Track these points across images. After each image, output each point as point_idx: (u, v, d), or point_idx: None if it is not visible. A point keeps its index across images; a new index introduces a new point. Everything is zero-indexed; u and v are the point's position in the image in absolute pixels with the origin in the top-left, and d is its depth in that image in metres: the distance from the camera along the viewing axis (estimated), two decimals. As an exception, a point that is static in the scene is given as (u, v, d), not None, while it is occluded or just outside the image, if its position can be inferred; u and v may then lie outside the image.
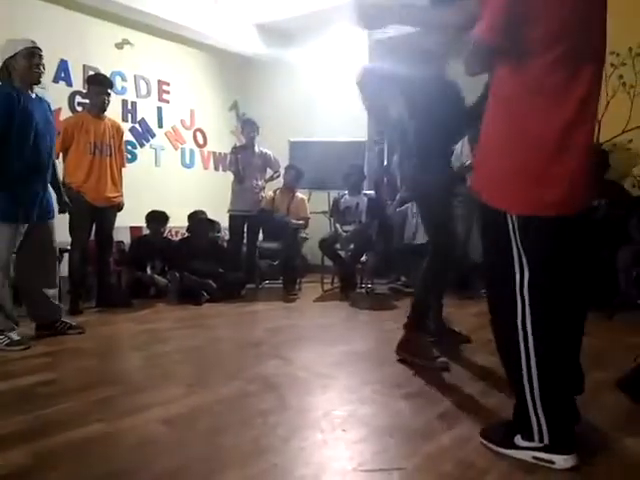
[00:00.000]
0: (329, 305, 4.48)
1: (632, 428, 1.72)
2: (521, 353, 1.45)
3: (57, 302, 3.18)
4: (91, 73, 4.98)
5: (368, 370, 2.47)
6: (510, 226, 1.46)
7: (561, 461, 1.43)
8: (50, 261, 3.10)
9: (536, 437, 1.46)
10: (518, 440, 1.50)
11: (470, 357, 2.68)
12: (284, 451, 1.57)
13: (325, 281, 5.19)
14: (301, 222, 5.19)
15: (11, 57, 2.90)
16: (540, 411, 1.44)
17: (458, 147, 5.43)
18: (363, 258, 5.05)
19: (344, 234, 5.04)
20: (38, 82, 3.01)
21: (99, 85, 4.03)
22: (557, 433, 1.44)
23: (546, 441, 1.44)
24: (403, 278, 5.20)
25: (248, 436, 1.67)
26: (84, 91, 5.09)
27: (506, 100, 1.47)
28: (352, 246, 4.98)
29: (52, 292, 3.10)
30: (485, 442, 1.59)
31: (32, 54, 2.92)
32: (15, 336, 2.83)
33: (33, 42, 2.97)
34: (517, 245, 1.45)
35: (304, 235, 5.25)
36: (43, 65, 2.99)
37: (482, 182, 1.55)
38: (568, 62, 1.38)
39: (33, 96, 2.98)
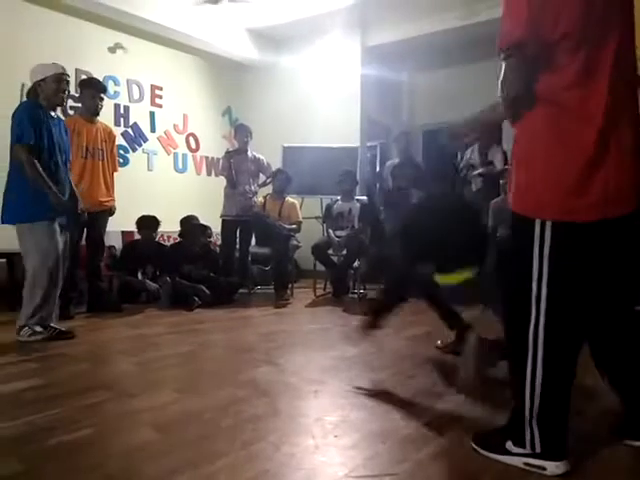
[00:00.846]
0: (321, 310, 4.48)
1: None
2: (527, 367, 1.43)
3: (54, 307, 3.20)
4: (83, 77, 4.98)
5: (360, 376, 2.47)
6: (537, 234, 1.40)
7: (553, 467, 1.43)
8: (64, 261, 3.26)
9: (528, 445, 1.46)
10: (509, 446, 1.50)
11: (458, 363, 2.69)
12: (275, 457, 1.56)
13: (317, 286, 5.19)
14: (294, 226, 5.19)
15: (41, 80, 3.11)
16: (535, 425, 1.44)
17: (468, 153, 5.50)
18: (355, 263, 5.06)
19: (337, 239, 5.05)
20: (62, 105, 3.33)
21: (93, 89, 4.03)
22: (549, 440, 1.44)
23: (537, 449, 1.45)
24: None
25: (239, 442, 1.67)
26: (76, 95, 5.08)
27: (544, 102, 1.41)
28: (344, 251, 4.99)
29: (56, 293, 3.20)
30: (476, 447, 1.59)
31: (61, 80, 3.16)
32: (38, 328, 3.03)
33: (63, 68, 3.19)
34: (540, 251, 1.40)
35: (296, 243, 5.25)
36: (69, 90, 3.27)
37: (517, 194, 1.48)
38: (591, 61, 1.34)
39: (54, 115, 3.21)
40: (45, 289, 3.04)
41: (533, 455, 1.45)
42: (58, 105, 3.23)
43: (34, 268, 3.03)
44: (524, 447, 1.47)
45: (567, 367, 1.45)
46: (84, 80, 4.35)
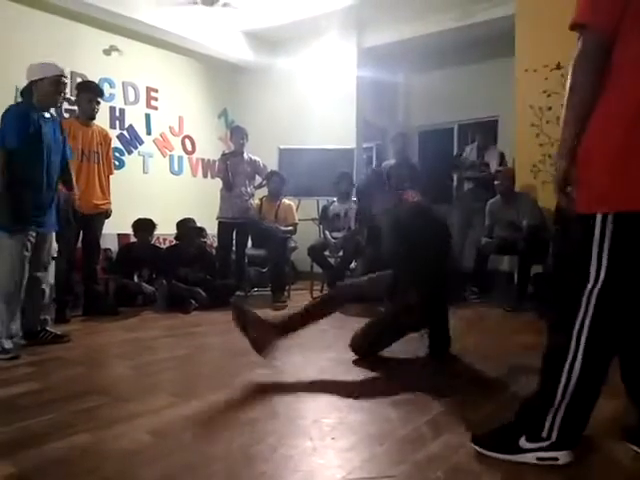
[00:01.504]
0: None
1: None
2: (567, 359, 1.43)
3: (43, 312, 3.16)
4: (79, 80, 4.96)
5: (357, 377, 2.46)
6: (598, 229, 1.39)
7: (564, 457, 1.45)
8: (45, 271, 3.15)
9: (545, 433, 1.46)
10: (523, 442, 1.49)
11: (457, 362, 2.69)
12: (273, 459, 1.56)
13: (314, 288, 5.18)
14: (290, 228, 5.18)
15: (39, 80, 3.01)
16: (560, 415, 1.44)
17: (467, 150, 5.52)
18: (352, 265, 5.05)
19: (333, 241, 5.05)
20: (56, 107, 3.22)
21: (90, 92, 4.01)
22: (567, 430, 1.45)
23: (554, 438, 1.45)
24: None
25: (236, 444, 1.66)
26: (72, 97, 5.06)
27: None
28: (341, 253, 4.99)
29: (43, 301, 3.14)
30: (484, 451, 1.56)
31: (59, 83, 3.07)
32: (7, 344, 2.81)
33: (62, 70, 3.11)
34: (600, 249, 1.39)
35: (293, 245, 5.24)
36: (65, 92, 3.18)
37: (580, 194, 1.47)
38: None
39: (47, 116, 3.09)
40: (11, 304, 2.88)
41: (546, 448, 1.46)
42: (52, 107, 3.16)
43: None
44: (538, 440, 1.46)
45: (605, 363, 1.45)
46: (81, 83, 4.32)
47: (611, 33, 1.34)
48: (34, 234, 2.98)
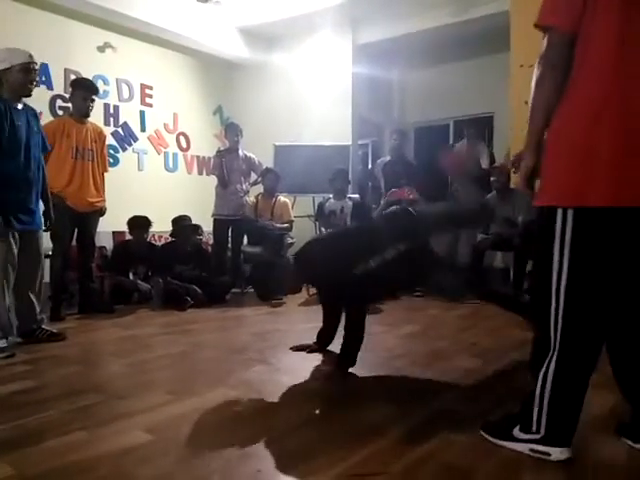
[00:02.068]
0: (314, 309, 4.44)
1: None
2: (549, 351, 1.46)
3: (38, 310, 3.13)
4: (72, 77, 4.94)
5: (355, 374, 2.46)
6: (559, 223, 1.43)
7: (557, 453, 1.45)
8: (35, 270, 3.09)
9: (534, 427, 1.48)
10: (516, 432, 1.53)
11: (453, 359, 2.70)
12: (269, 456, 1.56)
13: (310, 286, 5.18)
14: (286, 225, 5.18)
15: (6, 69, 2.85)
16: (545, 408, 1.46)
17: (457, 147, 5.52)
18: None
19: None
20: (29, 96, 2.99)
21: (84, 90, 3.97)
22: (554, 425, 1.46)
23: (542, 432, 1.47)
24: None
25: (233, 442, 1.65)
26: (65, 95, 5.04)
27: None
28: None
29: (35, 299, 3.08)
30: (484, 435, 1.62)
31: (29, 70, 2.90)
32: (1, 343, 2.79)
33: (31, 56, 2.93)
34: (561, 244, 1.43)
35: (290, 240, 5.24)
36: (37, 80, 3.00)
37: (542, 188, 1.51)
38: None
39: (20, 107, 2.95)
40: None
41: (539, 440, 1.48)
42: (25, 96, 2.96)
43: None
44: (529, 431, 1.49)
45: (585, 358, 1.46)
46: (75, 80, 4.29)
47: (572, 32, 1.40)
48: (17, 235, 2.90)
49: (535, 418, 1.48)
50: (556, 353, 1.45)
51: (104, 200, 4.12)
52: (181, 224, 4.87)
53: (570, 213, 1.41)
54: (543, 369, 1.47)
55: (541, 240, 1.52)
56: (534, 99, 1.46)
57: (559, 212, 1.43)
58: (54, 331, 3.15)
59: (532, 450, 1.49)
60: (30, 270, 3.05)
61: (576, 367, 1.46)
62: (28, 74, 2.90)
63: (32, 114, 3.07)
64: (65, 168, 3.84)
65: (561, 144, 1.43)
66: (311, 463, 1.52)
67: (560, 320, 1.44)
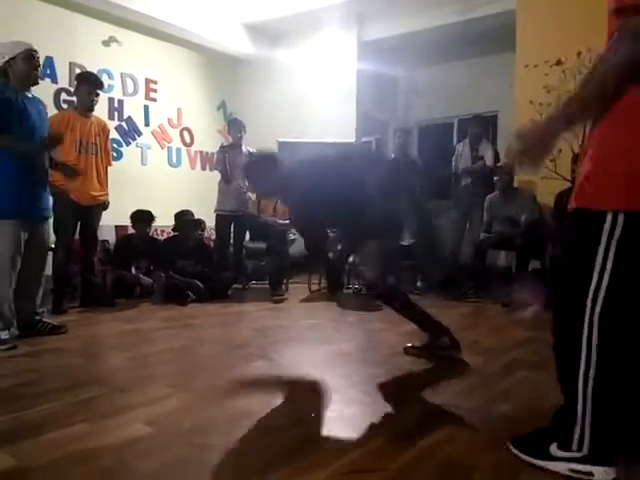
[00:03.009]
0: (316, 306, 4.47)
1: None
2: (581, 361, 1.36)
3: (39, 303, 3.14)
4: (77, 71, 4.94)
5: (355, 371, 2.47)
6: (607, 228, 1.32)
7: (601, 473, 1.34)
8: (42, 262, 3.11)
9: (575, 445, 1.37)
10: (554, 450, 1.42)
11: (454, 358, 2.69)
12: (270, 451, 1.56)
13: (312, 281, 5.19)
14: (287, 222, 5.17)
15: (10, 59, 2.93)
16: (587, 424, 1.36)
17: (459, 148, 5.49)
18: (350, 258, 5.05)
19: (331, 234, 5.03)
20: (37, 83, 3.08)
21: (89, 84, 3.98)
22: (599, 443, 1.36)
23: (585, 451, 1.36)
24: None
25: (232, 437, 1.66)
26: (70, 88, 5.05)
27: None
28: (339, 246, 4.98)
29: (38, 291, 3.09)
30: (517, 453, 1.51)
31: (31, 57, 2.97)
32: (4, 335, 2.80)
33: (29, 44, 2.99)
34: (606, 248, 1.33)
35: (293, 236, 5.24)
36: (40, 68, 3.06)
37: (584, 190, 1.38)
38: None
39: (30, 96, 3.01)
40: (4, 293, 2.86)
41: (579, 460, 1.37)
42: (32, 84, 3.04)
43: None
44: (569, 449, 1.38)
45: (623, 363, 1.36)
46: (81, 74, 4.29)
47: None
48: (27, 224, 2.92)
49: (577, 436, 1.37)
50: (594, 364, 1.34)
51: (107, 194, 4.13)
52: (183, 219, 4.87)
53: (621, 216, 1.31)
54: (581, 382, 1.36)
55: (574, 243, 1.43)
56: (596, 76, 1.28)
57: (609, 215, 1.32)
58: (55, 324, 3.16)
59: (572, 470, 1.37)
60: (36, 262, 3.06)
61: (619, 374, 1.36)
62: (32, 61, 2.97)
63: (38, 102, 3.12)
64: (69, 161, 3.83)
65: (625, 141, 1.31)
66: (310, 459, 1.52)
67: (596, 327, 1.34)
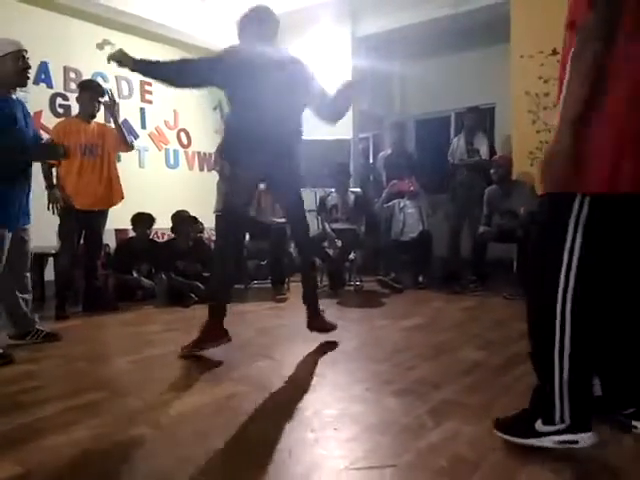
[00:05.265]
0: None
1: None
2: (555, 338, 1.42)
3: (28, 310, 3.03)
4: (72, 74, 4.94)
5: (358, 368, 2.47)
6: (575, 209, 1.38)
7: (585, 439, 1.42)
8: (24, 267, 3.00)
9: (557, 417, 1.44)
10: (539, 426, 1.48)
11: (457, 351, 2.70)
12: (275, 451, 1.56)
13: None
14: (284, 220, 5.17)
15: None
16: (566, 396, 1.42)
17: (455, 141, 5.48)
18: (351, 256, 5.05)
19: (332, 232, 5.04)
20: (25, 85, 2.97)
21: (92, 91, 4.00)
22: (579, 411, 1.43)
23: (567, 421, 1.43)
24: (392, 274, 5.19)
25: (237, 437, 1.66)
26: (65, 93, 5.04)
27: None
28: (340, 244, 4.98)
29: (27, 298, 3.02)
30: (503, 435, 1.56)
31: (22, 57, 2.85)
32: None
33: (19, 44, 2.87)
34: (575, 227, 1.38)
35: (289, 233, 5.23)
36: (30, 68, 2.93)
37: (550, 173, 1.43)
38: None
39: (14, 97, 2.91)
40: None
41: (562, 431, 1.44)
42: (21, 85, 2.91)
43: None
44: (553, 423, 1.45)
45: (595, 335, 1.44)
46: (84, 82, 4.27)
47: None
48: (10, 233, 2.81)
49: (558, 408, 1.44)
50: (568, 339, 1.40)
51: (117, 197, 4.13)
52: (179, 218, 4.85)
53: (587, 199, 1.37)
54: (556, 357, 1.42)
55: (547, 224, 1.49)
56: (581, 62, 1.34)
57: (577, 197, 1.38)
58: (49, 331, 3.10)
59: (558, 442, 1.45)
60: (19, 269, 2.95)
61: (590, 348, 1.44)
62: (21, 62, 2.84)
63: (21, 103, 2.98)
64: (74, 166, 3.84)
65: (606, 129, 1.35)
66: (316, 456, 1.52)
67: (569, 303, 1.40)
